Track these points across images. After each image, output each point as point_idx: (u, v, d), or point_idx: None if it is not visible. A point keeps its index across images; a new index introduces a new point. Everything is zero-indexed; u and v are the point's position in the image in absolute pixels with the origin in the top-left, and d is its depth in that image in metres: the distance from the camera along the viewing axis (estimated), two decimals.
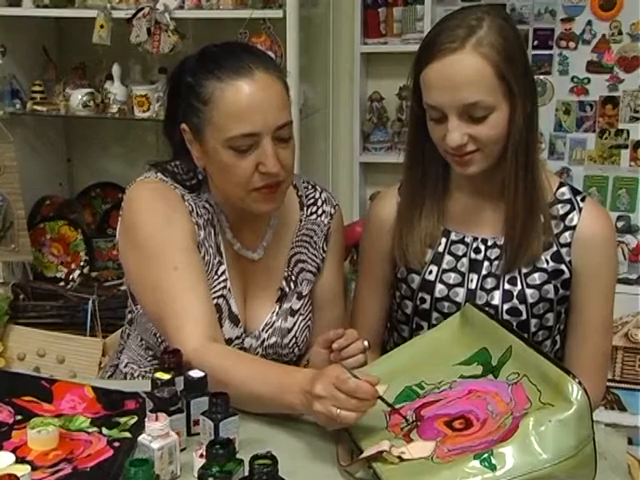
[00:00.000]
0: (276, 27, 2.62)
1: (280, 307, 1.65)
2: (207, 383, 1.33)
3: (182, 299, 1.46)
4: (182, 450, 1.26)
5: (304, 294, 1.67)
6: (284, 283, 1.65)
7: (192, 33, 2.80)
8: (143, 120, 2.87)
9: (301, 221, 1.69)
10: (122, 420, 1.35)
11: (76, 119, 3.07)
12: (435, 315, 1.61)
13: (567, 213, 1.59)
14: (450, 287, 1.60)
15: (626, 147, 2.89)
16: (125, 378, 1.67)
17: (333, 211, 1.72)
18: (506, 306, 1.57)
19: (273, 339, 1.63)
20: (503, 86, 1.45)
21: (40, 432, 1.27)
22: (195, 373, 1.34)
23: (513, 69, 1.45)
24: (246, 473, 1.13)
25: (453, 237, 1.63)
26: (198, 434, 1.29)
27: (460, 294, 1.59)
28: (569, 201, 1.60)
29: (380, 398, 1.26)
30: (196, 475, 1.17)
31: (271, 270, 1.65)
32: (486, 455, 1.13)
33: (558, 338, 1.65)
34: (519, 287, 1.57)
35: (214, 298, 1.55)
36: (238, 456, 1.17)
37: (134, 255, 1.55)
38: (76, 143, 3.32)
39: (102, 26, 2.72)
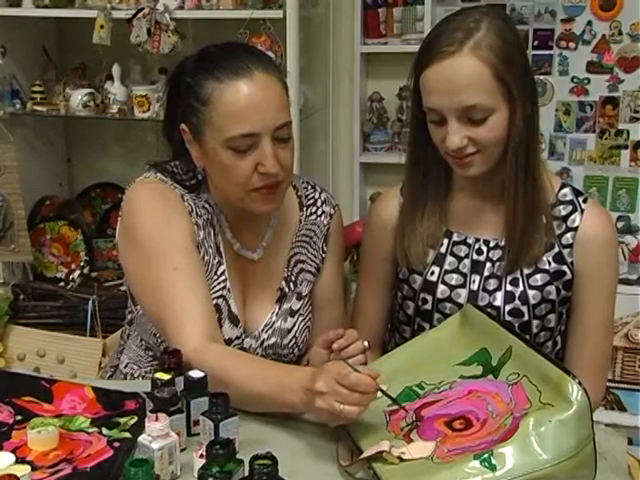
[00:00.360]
0: (276, 27, 2.62)
1: (280, 307, 1.65)
2: (207, 383, 1.33)
3: (181, 299, 1.46)
4: (182, 450, 1.26)
5: (304, 294, 1.68)
6: (284, 283, 1.65)
7: (192, 33, 2.80)
8: (143, 120, 2.87)
9: (301, 221, 1.69)
10: (122, 420, 1.35)
11: (76, 119, 3.07)
12: (437, 316, 1.61)
13: (569, 214, 1.59)
14: (452, 288, 1.60)
15: (626, 147, 2.89)
16: (125, 378, 1.67)
17: (333, 211, 1.72)
18: (508, 307, 1.57)
19: (273, 339, 1.63)
20: (502, 88, 1.45)
21: (40, 432, 1.27)
22: (195, 373, 1.34)
23: (512, 71, 1.45)
24: (246, 473, 1.13)
25: (455, 238, 1.63)
26: (198, 434, 1.29)
27: (462, 295, 1.59)
28: (571, 202, 1.60)
29: (383, 392, 1.26)
30: (196, 475, 1.17)
31: (271, 270, 1.65)
32: (486, 455, 1.13)
33: (559, 339, 1.65)
34: (521, 288, 1.57)
35: (214, 298, 1.55)
36: (238, 456, 1.17)
37: (134, 255, 1.55)
38: (76, 143, 3.32)
39: (102, 26, 2.72)
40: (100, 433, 1.32)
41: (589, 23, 2.84)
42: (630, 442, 1.47)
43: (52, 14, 2.87)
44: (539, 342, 1.59)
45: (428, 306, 1.62)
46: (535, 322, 1.58)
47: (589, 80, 2.87)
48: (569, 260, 1.57)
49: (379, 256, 1.69)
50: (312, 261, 1.69)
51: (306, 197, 1.71)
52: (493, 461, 1.12)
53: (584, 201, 1.60)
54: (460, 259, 1.61)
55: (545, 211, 1.56)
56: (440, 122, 1.48)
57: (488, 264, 1.60)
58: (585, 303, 1.59)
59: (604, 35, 2.84)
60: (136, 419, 1.35)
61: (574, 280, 1.58)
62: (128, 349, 1.70)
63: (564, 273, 1.58)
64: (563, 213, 1.59)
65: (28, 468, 1.18)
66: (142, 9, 2.67)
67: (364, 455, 1.22)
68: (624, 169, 2.90)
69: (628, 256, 2.91)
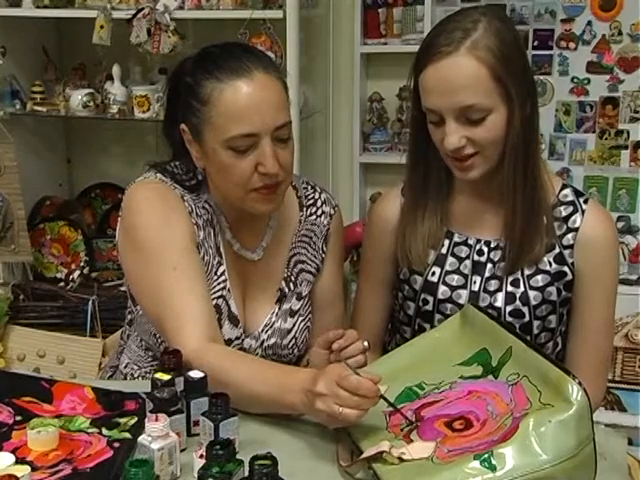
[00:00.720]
0: (276, 27, 2.62)
1: (280, 308, 1.65)
2: (207, 384, 1.33)
3: (181, 300, 1.46)
4: (182, 451, 1.26)
5: (304, 295, 1.67)
6: (284, 284, 1.65)
7: (192, 33, 2.80)
8: (143, 121, 2.87)
9: (300, 222, 1.69)
10: (122, 421, 1.35)
11: (76, 119, 3.07)
12: (438, 317, 1.61)
13: (570, 215, 1.59)
14: (453, 289, 1.60)
15: (626, 148, 2.89)
16: (125, 379, 1.67)
17: (333, 212, 1.72)
18: (509, 308, 1.57)
19: (273, 340, 1.63)
20: (500, 88, 1.45)
21: (40, 433, 1.27)
22: (195, 374, 1.34)
23: (510, 71, 1.45)
24: (246, 474, 1.13)
25: (456, 239, 1.63)
26: (198, 435, 1.29)
27: (463, 296, 1.59)
28: (572, 203, 1.60)
29: (382, 397, 1.26)
30: (196, 476, 1.17)
31: (271, 271, 1.65)
32: (486, 456, 1.13)
33: (560, 340, 1.65)
34: (522, 289, 1.57)
35: (213, 299, 1.55)
36: (238, 457, 1.17)
37: (133, 256, 1.55)
38: (76, 143, 3.32)
39: (102, 26, 2.72)
40: (100, 433, 1.32)
41: (589, 23, 2.84)
42: (630, 442, 1.48)
43: (52, 14, 2.87)
44: (540, 343, 1.59)
45: (429, 307, 1.62)
46: (536, 323, 1.58)
47: (589, 80, 2.87)
48: (570, 261, 1.57)
49: (379, 256, 1.69)
50: (312, 261, 1.69)
51: (306, 197, 1.71)
52: (493, 461, 1.12)
53: (585, 202, 1.60)
54: (461, 260, 1.61)
55: (546, 212, 1.56)
56: (439, 123, 1.48)
57: (489, 265, 1.60)
58: (586, 304, 1.59)
59: (604, 35, 2.84)
60: (136, 419, 1.35)
61: (575, 281, 1.58)
62: (128, 349, 1.70)
63: (565, 274, 1.58)
64: (564, 214, 1.58)
65: (28, 468, 1.18)
66: (142, 9, 2.67)
67: (364, 455, 1.22)
68: (624, 169, 2.90)
69: (628, 256, 2.92)
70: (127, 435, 1.31)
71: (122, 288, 2.76)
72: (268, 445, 1.24)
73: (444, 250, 1.62)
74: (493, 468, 1.12)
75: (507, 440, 1.14)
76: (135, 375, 1.66)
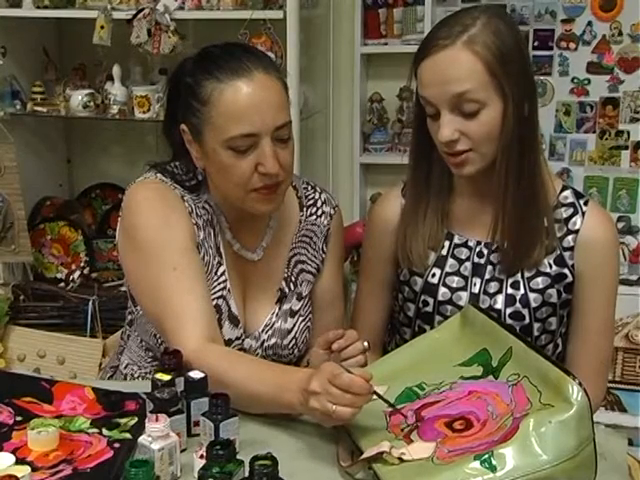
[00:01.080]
0: (276, 28, 2.62)
1: (280, 308, 1.65)
2: (207, 384, 1.33)
3: (181, 300, 1.46)
4: (182, 451, 1.26)
5: (304, 295, 1.67)
6: (284, 284, 1.65)
7: (192, 34, 2.80)
8: (143, 121, 2.87)
9: (301, 222, 1.69)
10: (122, 421, 1.35)
11: (76, 120, 3.07)
12: (438, 318, 1.61)
13: (570, 217, 1.58)
14: (453, 290, 1.60)
15: (626, 148, 2.89)
16: (125, 379, 1.67)
17: (333, 212, 1.72)
18: (509, 310, 1.57)
19: (273, 340, 1.63)
20: (495, 83, 1.45)
21: (40, 433, 1.27)
22: (195, 374, 1.34)
23: (507, 69, 1.45)
24: (246, 474, 1.13)
25: (456, 240, 1.63)
26: (198, 435, 1.29)
27: (463, 298, 1.59)
28: (572, 204, 1.59)
29: (379, 396, 1.26)
30: (196, 476, 1.17)
31: (271, 271, 1.65)
32: (486, 456, 1.13)
33: (560, 341, 1.65)
34: (522, 291, 1.57)
35: (214, 299, 1.55)
36: (238, 457, 1.17)
37: (133, 256, 1.55)
38: (76, 144, 3.32)
39: (102, 27, 2.72)
40: (100, 434, 1.32)
41: (589, 24, 2.84)
42: (630, 443, 1.47)
43: (52, 14, 2.87)
44: (540, 345, 1.59)
45: (429, 308, 1.62)
46: (536, 325, 1.58)
47: (589, 81, 2.87)
48: (570, 263, 1.57)
49: (380, 257, 1.69)
50: (312, 262, 1.69)
51: (306, 198, 1.71)
52: (493, 462, 1.12)
53: (585, 203, 1.60)
54: (461, 262, 1.61)
55: (546, 213, 1.55)
56: (435, 116, 1.49)
57: (489, 267, 1.60)
58: (586, 305, 1.59)
59: (604, 36, 2.84)
60: (136, 420, 1.35)
61: (575, 282, 1.58)
62: (128, 350, 1.70)
63: (565, 276, 1.57)
64: (564, 215, 1.58)
65: (28, 469, 1.18)
66: (142, 10, 2.67)
67: (364, 456, 1.22)
68: (624, 170, 2.90)
69: (628, 257, 2.92)
70: (127, 435, 1.31)
71: (122, 288, 2.76)
72: (268, 445, 1.25)
73: (444, 252, 1.62)
74: (493, 468, 1.12)
75: (507, 440, 1.14)
76: (135, 375, 1.66)
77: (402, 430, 1.27)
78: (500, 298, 1.58)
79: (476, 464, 1.12)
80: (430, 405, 1.30)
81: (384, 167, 3.02)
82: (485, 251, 1.61)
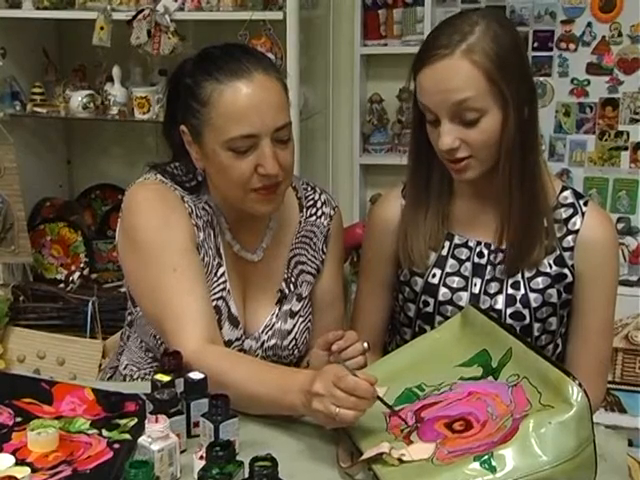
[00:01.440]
0: (276, 29, 2.62)
1: (280, 309, 1.64)
2: (207, 385, 1.33)
3: (181, 301, 1.46)
4: (182, 452, 1.26)
5: (304, 296, 1.67)
6: (284, 285, 1.65)
7: (192, 35, 2.80)
8: (143, 122, 2.87)
9: (300, 223, 1.69)
10: (122, 422, 1.35)
11: (76, 121, 3.08)
12: (438, 319, 1.61)
13: (570, 217, 1.58)
14: (454, 291, 1.60)
15: (626, 149, 2.89)
16: (125, 380, 1.67)
17: (332, 212, 1.72)
18: (509, 310, 1.57)
19: (273, 341, 1.63)
20: (494, 91, 1.45)
21: (40, 434, 1.27)
22: (195, 375, 1.34)
23: (506, 75, 1.44)
24: (246, 475, 1.13)
25: (457, 241, 1.63)
26: (198, 436, 1.29)
27: (464, 298, 1.59)
28: (572, 205, 1.60)
29: (380, 399, 1.26)
30: (196, 477, 1.17)
31: (271, 272, 1.65)
32: (486, 457, 1.13)
33: (560, 341, 1.65)
34: (522, 291, 1.57)
35: (213, 300, 1.55)
36: (238, 458, 1.17)
37: (133, 257, 1.55)
38: (76, 145, 3.33)
39: (102, 28, 2.72)
40: (100, 435, 1.32)
41: (589, 24, 2.84)
42: (630, 444, 1.48)
43: (52, 16, 2.87)
44: (540, 345, 1.59)
45: (429, 309, 1.62)
46: (536, 325, 1.58)
47: (589, 81, 2.87)
48: (570, 263, 1.57)
49: (379, 257, 1.69)
50: (312, 262, 1.69)
51: (306, 198, 1.71)
52: (493, 463, 1.12)
53: (585, 204, 1.60)
54: (461, 262, 1.61)
55: (546, 214, 1.56)
56: (435, 122, 1.49)
57: (489, 267, 1.60)
58: (586, 305, 1.59)
59: (604, 36, 2.84)
60: (136, 421, 1.35)
61: (575, 283, 1.58)
62: (128, 350, 1.70)
63: (565, 276, 1.58)
64: (564, 216, 1.58)
65: (28, 470, 1.18)
66: (142, 10, 2.67)
67: (364, 457, 1.22)
68: (624, 170, 2.90)
69: (628, 257, 2.92)
70: (127, 436, 1.31)
71: (122, 289, 2.76)
72: (268, 446, 1.24)
73: (444, 252, 1.62)
74: (493, 469, 1.12)
75: (507, 441, 1.14)
76: (135, 376, 1.66)
77: (402, 431, 1.27)
78: (500, 298, 1.58)
79: (476, 465, 1.12)
80: (430, 406, 1.30)
81: (384, 168, 3.02)
82: (485, 251, 1.61)
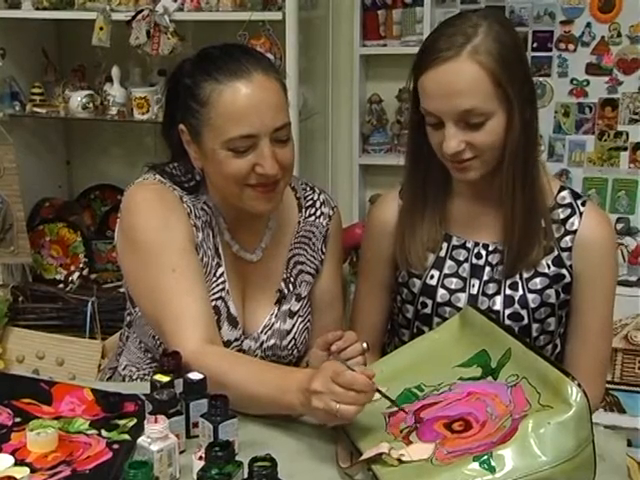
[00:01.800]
0: (275, 29, 2.62)
1: (279, 309, 1.64)
2: (206, 385, 1.33)
3: (180, 301, 1.46)
4: (181, 452, 1.26)
5: (303, 296, 1.67)
6: (283, 285, 1.65)
7: (191, 35, 2.80)
8: (142, 122, 2.87)
9: (299, 223, 1.69)
10: (121, 422, 1.35)
11: (75, 121, 3.08)
12: (436, 320, 1.60)
13: (568, 217, 1.58)
14: (452, 292, 1.60)
15: (625, 149, 2.89)
16: (124, 380, 1.67)
17: (332, 213, 1.72)
18: (508, 311, 1.57)
19: (272, 341, 1.63)
20: (500, 93, 1.44)
21: (39, 434, 1.27)
22: (194, 375, 1.34)
23: (510, 75, 1.44)
24: (245, 475, 1.13)
25: (454, 242, 1.63)
26: (197, 436, 1.29)
27: (462, 299, 1.59)
28: (570, 205, 1.60)
29: (381, 393, 1.26)
30: (195, 477, 1.17)
31: (270, 272, 1.65)
32: (485, 457, 1.13)
33: (559, 342, 1.65)
34: (520, 292, 1.57)
35: (212, 300, 1.55)
36: (237, 458, 1.17)
37: (132, 257, 1.55)
38: (75, 145, 3.32)
39: (101, 28, 2.72)
40: (99, 435, 1.32)
41: (588, 25, 2.84)
42: (629, 444, 1.48)
43: (51, 16, 2.87)
44: (539, 345, 1.59)
45: (427, 310, 1.62)
46: (535, 326, 1.58)
47: (588, 82, 2.87)
48: (568, 263, 1.57)
49: (378, 258, 1.69)
50: (311, 262, 1.69)
51: (305, 198, 1.71)
52: (492, 463, 1.12)
53: (583, 204, 1.60)
54: (459, 263, 1.61)
55: (544, 214, 1.56)
56: (437, 125, 1.48)
57: (487, 268, 1.60)
58: (584, 306, 1.59)
59: (603, 37, 2.84)
60: (135, 421, 1.35)
61: (573, 283, 1.58)
62: (127, 351, 1.70)
63: (563, 276, 1.58)
64: (562, 216, 1.58)
65: (27, 470, 1.18)
66: (141, 11, 2.67)
67: (364, 457, 1.22)
68: (623, 171, 2.90)
69: (627, 258, 2.91)
70: (126, 437, 1.31)
71: (121, 289, 2.76)
72: (267, 447, 1.24)
73: (442, 253, 1.62)
74: (492, 469, 1.12)
75: (506, 442, 1.14)
76: (134, 377, 1.66)
77: (401, 431, 1.27)
78: (499, 299, 1.58)
79: (475, 465, 1.12)
80: (429, 406, 1.30)
81: (383, 168, 3.02)
82: (483, 252, 1.61)
